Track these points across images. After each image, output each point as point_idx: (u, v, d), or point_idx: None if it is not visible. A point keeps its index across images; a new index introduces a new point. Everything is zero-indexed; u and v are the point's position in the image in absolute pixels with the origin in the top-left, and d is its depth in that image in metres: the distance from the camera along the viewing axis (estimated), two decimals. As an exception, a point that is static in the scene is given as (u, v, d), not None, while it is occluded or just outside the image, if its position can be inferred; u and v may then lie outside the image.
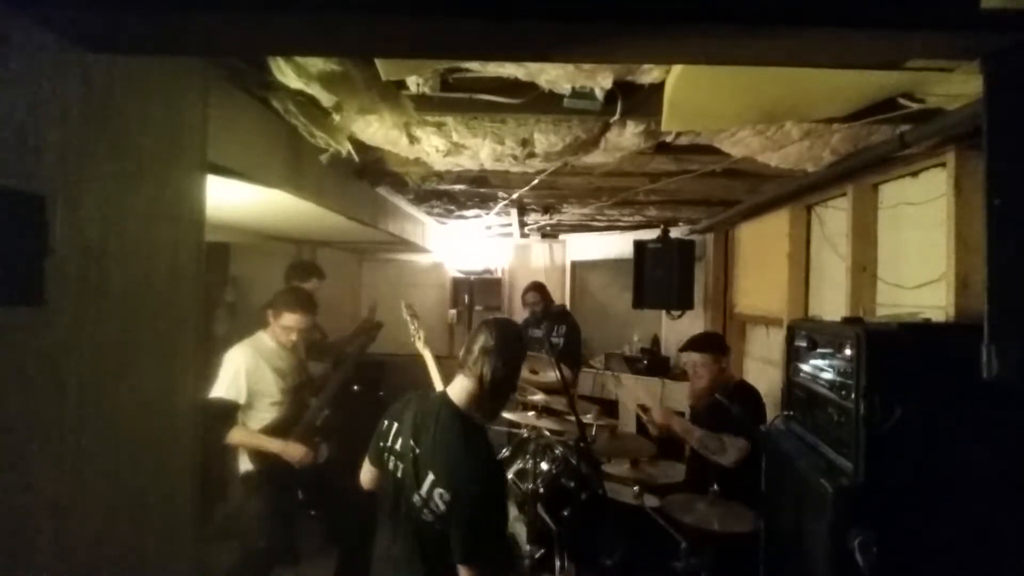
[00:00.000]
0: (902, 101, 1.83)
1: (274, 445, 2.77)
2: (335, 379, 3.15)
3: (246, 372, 2.76)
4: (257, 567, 2.76)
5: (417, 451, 1.67)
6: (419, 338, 3.10)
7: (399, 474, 1.70)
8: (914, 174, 2.36)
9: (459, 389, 1.72)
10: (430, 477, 1.61)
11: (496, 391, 1.70)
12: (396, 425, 1.77)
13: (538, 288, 4.86)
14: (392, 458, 1.74)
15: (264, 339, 2.92)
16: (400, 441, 1.72)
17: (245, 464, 2.82)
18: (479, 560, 1.59)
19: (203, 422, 1.74)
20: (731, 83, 1.68)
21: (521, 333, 1.95)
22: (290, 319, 2.87)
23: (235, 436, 2.76)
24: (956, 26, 1.00)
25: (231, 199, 2.41)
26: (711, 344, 3.11)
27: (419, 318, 3.20)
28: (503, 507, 1.74)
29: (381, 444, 1.79)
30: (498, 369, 1.67)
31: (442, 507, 1.58)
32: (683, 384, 4.07)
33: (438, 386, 2.31)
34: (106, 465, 1.27)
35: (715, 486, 2.43)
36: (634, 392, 3.50)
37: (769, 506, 2.18)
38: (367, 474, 1.90)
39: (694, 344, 3.12)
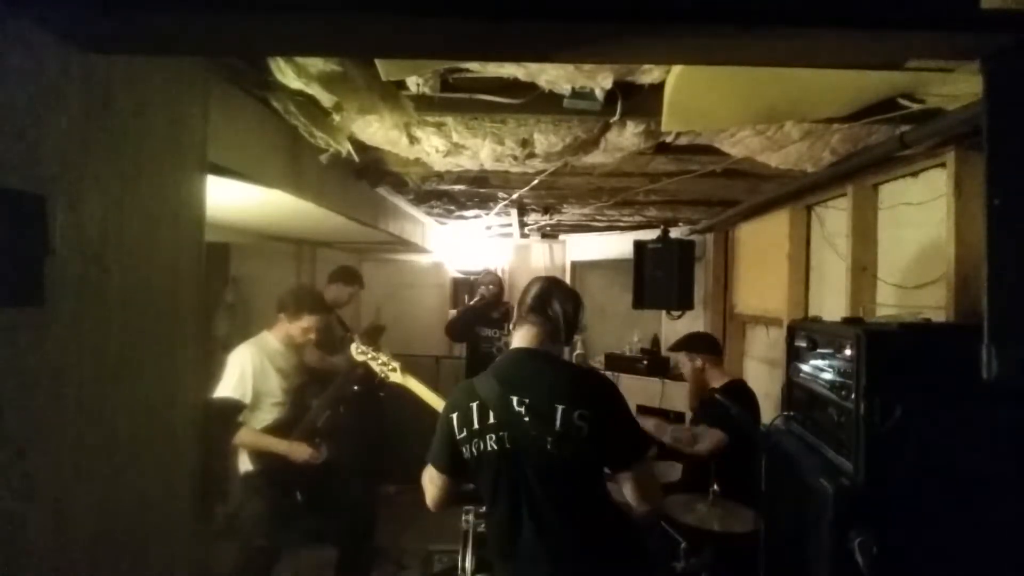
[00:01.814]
0: (902, 101, 1.83)
1: (280, 446, 2.77)
2: (337, 380, 3.14)
3: (252, 372, 2.77)
4: (257, 567, 2.76)
5: (527, 400, 1.63)
6: (394, 369, 2.53)
7: (506, 444, 1.63)
8: (914, 174, 2.36)
9: (526, 336, 1.75)
10: (560, 408, 1.60)
11: (567, 325, 1.78)
12: (474, 406, 1.67)
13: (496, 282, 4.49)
14: (487, 437, 1.65)
15: (268, 339, 2.93)
16: (493, 414, 1.65)
17: (245, 464, 2.82)
18: (641, 455, 1.69)
19: (208, 421, 1.73)
20: (731, 83, 1.68)
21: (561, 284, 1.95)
22: (310, 320, 2.92)
23: (242, 437, 2.77)
24: (956, 26, 1.00)
25: (231, 199, 2.41)
26: (685, 343, 3.17)
27: (381, 350, 2.62)
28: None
29: (463, 434, 1.68)
30: (560, 304, 1.77)
31: (586, 427, 1.58)
32: (682, 384, 4.07)
33: (438, 406, 2.03)
34: (106, 465, 1.27)
35: (715, 486, 2.43)
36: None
37: (769, 506, 2.17)
38: (436, 488, 1.75)
39: (674, 344, 3.20)
